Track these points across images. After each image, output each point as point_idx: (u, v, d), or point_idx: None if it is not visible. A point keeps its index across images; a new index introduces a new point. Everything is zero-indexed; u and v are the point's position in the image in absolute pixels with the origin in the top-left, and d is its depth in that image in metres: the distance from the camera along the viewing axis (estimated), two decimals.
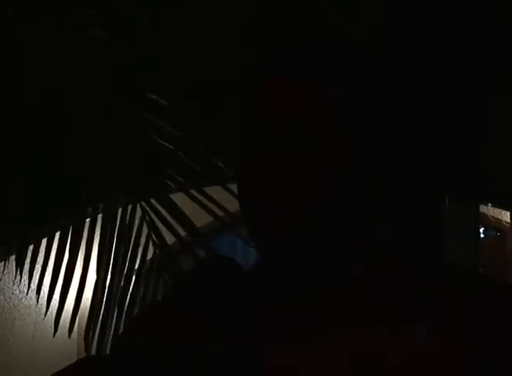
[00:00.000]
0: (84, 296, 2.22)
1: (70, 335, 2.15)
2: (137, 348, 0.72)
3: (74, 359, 0.81)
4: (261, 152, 0.80)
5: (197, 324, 0.73)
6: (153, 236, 2.29)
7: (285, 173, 0.79)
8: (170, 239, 2.32)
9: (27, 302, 3.66)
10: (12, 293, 3.66)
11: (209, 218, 2.33)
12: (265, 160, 0.79)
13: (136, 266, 2.25)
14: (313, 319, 0.79)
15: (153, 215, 2.28)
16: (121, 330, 2.17)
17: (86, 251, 2.21)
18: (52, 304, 2.18)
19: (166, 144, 2.19)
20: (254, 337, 0.74)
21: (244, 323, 0.76)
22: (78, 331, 2.53)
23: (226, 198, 2.18)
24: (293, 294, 0.83)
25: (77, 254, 2.19)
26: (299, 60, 0.83)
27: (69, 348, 3.30)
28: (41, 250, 2.20)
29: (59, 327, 2.17)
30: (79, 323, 2.32)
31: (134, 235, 2.25)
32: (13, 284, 3.56)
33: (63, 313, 2.18)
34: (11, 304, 3.68)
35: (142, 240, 2.28)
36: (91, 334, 2.17)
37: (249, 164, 0.81)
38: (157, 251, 2.30)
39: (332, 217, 0.81)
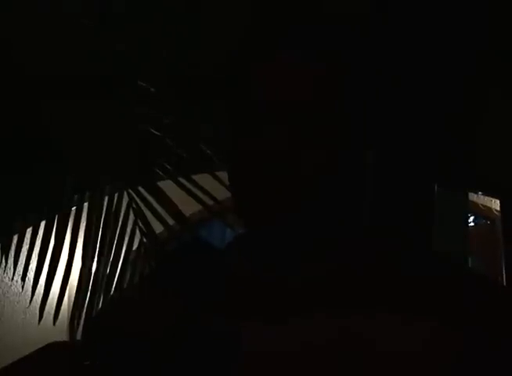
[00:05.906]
0: (70, 284, 2.21)
1: (54, 323, 2.15)
2: (110, 334, 0.71)
3: None
4: (268, 127, 0.79)
5: (172, 310, 0.72)
6: (140, 224, 2.27)
7: (290, 148, 0.78)
8: (158, 227, 2.31)
9: (16, 289, 3.65)
10: (2, 280, 3.65)
11: (198, 207, 2.31)
12: (271, 134, 0.79)
13: (122, 254, 2.23)
14: (291, 304, 0.79)
15: (140, 203, 2.26)
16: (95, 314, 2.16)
17: (72, 238, 2.19)
18: (40, 292, 2.17)
19: (154, 131, 2.17)
20: (231, 320, 0.74)
21: (220, 307, 0.76)
22: (68, 318, 2.53)
23: (215, 186, 2.16)
24: (272, 278, 0.82)
25: (63, 242, 2.17)
26: (307, 39, 0.82)
27: (59, 335, 3.29)
28: (26, 237, 2.19)
29: (50, 315, 2.16)
30: (69, 311, 2.31)
31: (120, 223, 2.24)
32: (2, 272, 3.55)
33: (52, 301, 2.17)
34: (0, 291, 3.67)
35: (129, 228, 2.26)
36: (76, 321, 2.16)
37: (253, 139, 0.80)
38: (144, 240, 2.29)
39: (328, 193, 0.80)
